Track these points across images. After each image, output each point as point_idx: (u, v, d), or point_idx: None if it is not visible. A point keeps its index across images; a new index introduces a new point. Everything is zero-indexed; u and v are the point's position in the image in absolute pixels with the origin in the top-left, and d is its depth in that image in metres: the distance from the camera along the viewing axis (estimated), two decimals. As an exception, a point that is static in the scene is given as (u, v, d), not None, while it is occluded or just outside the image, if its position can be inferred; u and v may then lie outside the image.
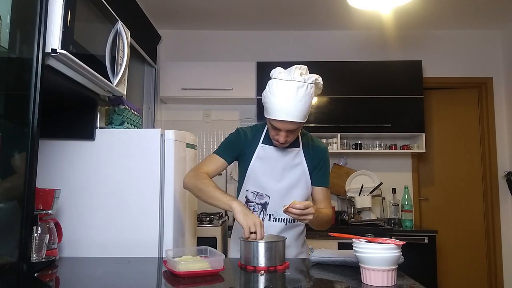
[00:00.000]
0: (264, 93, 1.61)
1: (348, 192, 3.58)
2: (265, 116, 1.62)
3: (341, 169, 3.85)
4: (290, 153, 1.72)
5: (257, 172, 1.71)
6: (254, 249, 1.39)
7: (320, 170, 1.75)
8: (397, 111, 3.60)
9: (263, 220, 1.69)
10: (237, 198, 1.75)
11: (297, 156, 1.73)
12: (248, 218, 1.44)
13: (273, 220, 1.70)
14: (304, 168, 1.72)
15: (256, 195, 1.72)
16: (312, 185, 1.76)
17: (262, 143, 1.72)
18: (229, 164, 1.75)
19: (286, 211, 1.47)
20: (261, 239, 1.41)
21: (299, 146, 1.74)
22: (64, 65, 1.29)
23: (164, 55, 4.02)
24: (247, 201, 1.74)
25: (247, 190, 1.73)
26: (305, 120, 1.58)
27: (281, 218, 1.70)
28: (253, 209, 1.71)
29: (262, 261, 1.37)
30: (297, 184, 1.71)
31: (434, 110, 4.04)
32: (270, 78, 1.60)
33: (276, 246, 1.40)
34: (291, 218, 1.62)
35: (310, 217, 1.49)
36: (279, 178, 1.70)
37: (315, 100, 3.62)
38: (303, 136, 1.78)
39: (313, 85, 1.57)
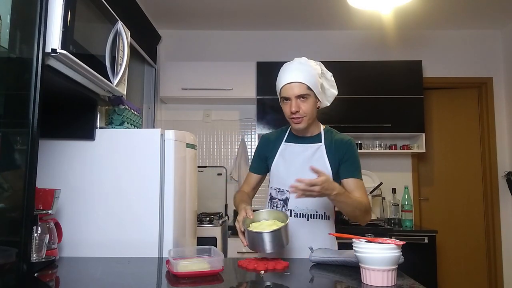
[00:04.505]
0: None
1: (348, 192, 3.57)
2: (280, 100, 1.75)
3: (341, 169, 3.85)
4: (310, 148, 1.75)
5: (279, 169, 1.77)
6: (259, 238, 1.42)
7: (347, 162, 1.71)
8: (397, 111, 3.60)
9: None
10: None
11: (318, 151, 1.74)
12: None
13: (294, 216, 1.71)
14: (324, 164, 1.70)
15: (278, 191, 1.76)
16: (341, 179, 1.71)
17: (285, 141, 1.80)
18: (265, 174, 1.88)
19: (291, 186, 1.44)
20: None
21: (320, 142, 1.76)
22: (64, 65, 1.29)
23: (164, 55, 4.02)
24: (271, 198, 1.78)
25: (271, 188, 1.80)
26: (314, 90, 1.69)
27: (303, 214, 1.71)
28: (276, 205, 1.75)
29: (268, 247, 1.41)
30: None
31: (434, 110, 4.04)
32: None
33: (278, 233, 1.42)
34: (312, 213, 1.70)
35: (316, 189, 1.43)
36: (299, 173, 1.66)
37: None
38: (326, 132, 1.80)
39: (318, 66, 1.73)
